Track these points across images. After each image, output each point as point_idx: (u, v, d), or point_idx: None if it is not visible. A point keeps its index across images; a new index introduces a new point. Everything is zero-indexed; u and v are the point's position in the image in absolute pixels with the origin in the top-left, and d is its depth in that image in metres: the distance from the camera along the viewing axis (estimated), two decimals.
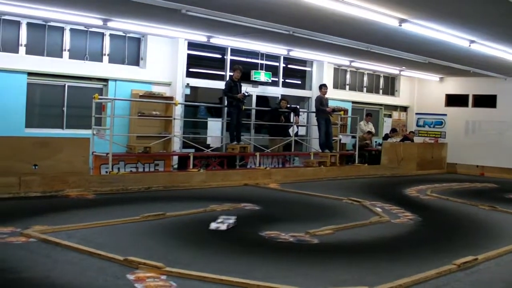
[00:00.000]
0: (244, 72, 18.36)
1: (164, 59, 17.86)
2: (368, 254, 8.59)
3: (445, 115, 26.02)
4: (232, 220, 10.13)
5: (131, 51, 17.47)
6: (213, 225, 9.79)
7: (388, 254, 8.66)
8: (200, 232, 9.56)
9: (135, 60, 17.57)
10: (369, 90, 25.23)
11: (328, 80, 22.15)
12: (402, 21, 13.29)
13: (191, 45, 18.33)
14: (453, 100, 26.35)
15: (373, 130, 23.81)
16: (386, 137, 24.17)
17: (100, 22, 14.83)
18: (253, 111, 20.12)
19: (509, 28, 14.14)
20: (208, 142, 18.04)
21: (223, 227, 9.77)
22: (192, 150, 17.19)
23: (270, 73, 20.36)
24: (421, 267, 7.41)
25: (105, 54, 16.85)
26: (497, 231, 10.94)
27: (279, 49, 19.24)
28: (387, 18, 13.06)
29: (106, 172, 14.84)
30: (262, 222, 10.39)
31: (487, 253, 8.48)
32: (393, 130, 24.66)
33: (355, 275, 7.28)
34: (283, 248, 8.67)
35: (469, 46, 16.00)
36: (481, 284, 7.20)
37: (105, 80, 16.81)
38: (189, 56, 18.45)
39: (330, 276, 7.16)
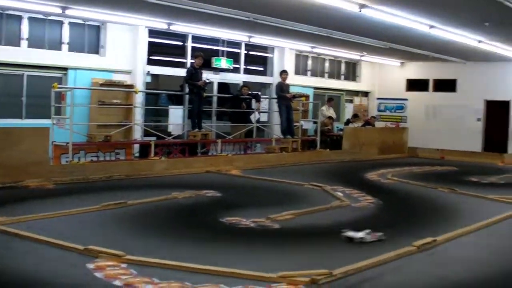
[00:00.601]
0: (205, 59, 18.28)
1: (125, 47, 17.69)
2: (329, 238, 8.64)
3: (406, 99, 26.33)
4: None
5: (90, 39, 17.27)
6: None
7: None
8: (161, 220, 9.57)
9: (95, 48, 17.38)
10: (331, 76, 25.33)
11: (290, 66, 22.18)
12: (362, 6, 13.34)
13: (152, 32, 18.18)
14: (414, 85, 26.62)
15: (334, 115, 23.92)
16: (347, 122, 24.29)
17: (59, 10, 14.65)
18: (215, 98, 20.07)
19: (468, 12, 14.30)
20: (169, 130, 18.00)
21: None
22: (154, 138, 17.12)
23: (232, 59, 20.30)
24: (381, 250, 7.49)
25: (64, 43, 16.61)
26: (456, 213, 11.09)
27: (240, 36, 19.23)
28: (347, 3, 13.13)
29: (67, 161, 14.70)
30: (224, 209, 10.41)
31: (446, 234, 8.61)
32: (355, 116, 24.80)
33: (316, 259, 7.35)
34: (244, 234, 8.71)
35: (429, 31, 16.14)
36: (439, 264, 7.31)
37: (65, 69, 16.58)
38: (149, 43, 18.30)
39: (291, 260, 7.22)
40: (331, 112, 23.68)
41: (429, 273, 6.93)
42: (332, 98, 24.47)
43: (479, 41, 18.41)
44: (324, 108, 23.40)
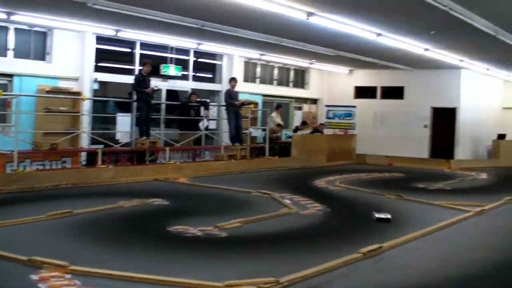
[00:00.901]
0: (154, 66, 18.17)
1: (71, 54, 17.44)
2: (276, 246, 8.66)
3: (354, 106, 26.56)
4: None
5: (36, 46, 17.00)
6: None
7: (297, 245, 8.76)
8: (108, 229, 9.45)
9: (41, 55, 17.11)
10: (280, 83, 25.41)
11: (239, 74, 22.17)
12: (309, 14, 13.44)
13: (99, 39, 17.99)
14: (362, 92, 26.88)
15: (282, 122, 23.98)
16: (296, 129, 24.35)
17: (4, 16, 14.42)
18: (163, 106, 19.94)
19: (414, 21, 14.50)
20: (117, 138, 17.85)
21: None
22: (101, 146, 16.94)
23: (180, 67, 20.22)
24: (328, 257, 7.49)
25: (9, 49, 16.33)
26: (403, 220, 11.17)
27: (189, 43, 19.18)
28: (295, 11, 13.19)
29: (12, 170, 14.43)
30: (171, 217, 10.31)
31: (392, 241, 8.67)
32: (303, 123, 24.90)
33: (264, 267, 7.33)
34: (191, 243, 8.65)
35: (376, 39, 16.31)
36: (385, 271, 7.36)
37: (10, 75, 16.28)
38: (97, 50, 18.09)
39: (239, 269, 7.17)
40: (279, 120, 23.74)
41: (374, 279, 6.97)
42: (281, 105, 24.54)
43: (426, 49, 18.68)
44: (274, 115, 23.48)
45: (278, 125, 23.39)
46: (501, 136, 25.88)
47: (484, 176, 20.31)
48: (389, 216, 10.89)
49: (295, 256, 7.99)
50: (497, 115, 28.77)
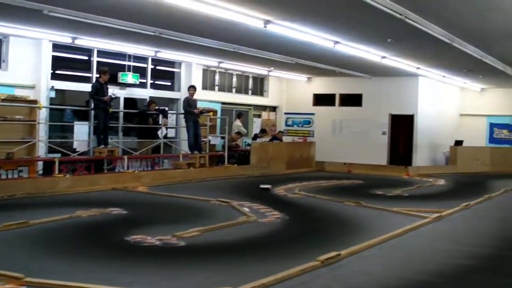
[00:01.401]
0: (112, 74, 18.02)
1: (27, 61, 17.18)
2: (235, 255, 8.63)
3: (313, 114, 26.61)
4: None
5: None
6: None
7: (255, 254, 8.75)
8: (65, 240, 9.34)
9: None
10: (238, 91, 25.38)
11: (197, 81, 22.09)
12: (267, 22, 13.45)
13: (56, 46, 17.77)
14: (321, 100, 26.99)
15: (245, 130, 24.02)
16: (255, 137, 24.33)
17: None
18: (121, 114, 19.77)
19: (371, 29, 14.61)
20: (74, 146, 17.64)
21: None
22: (58, 155, 16.72)
23: (138, 74, 20.08)
24: (286, 265, 7.48)
25: None
26: (361, 226, 11.25)
27: (147, 51, 19.08)
28: (252, 19, 13.20)
29: None
30: (129, 227, 10.24)
31: (350, 248, 8.69)
32: (262, 130, 24.92)
33: (222, 276, 7.30)
34: (149, 252, 8.58)
35: (334, 46, 16.38)
36: (342, 278, 7.37)
37: None
38: (54, 58, 17.87)
39: (197, 278, 7.15)
40: (243, 128, 23.82)
41: (333, 287, 6.97)
42: (242, 113, 24.57)
43: (383, 57, 18.83)
44: (238, 123, 23.56)
45: (238, 133, 23.38)
46: (458, 143, 26.22)
47: (441, 182, 20.55)
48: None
49: (254, 264, 7.97)
50: (454, 122, 29.14)
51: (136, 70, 20.18)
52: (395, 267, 8.14)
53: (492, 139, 29.22)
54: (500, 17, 12.52)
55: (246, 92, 25.84)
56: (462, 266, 8.30)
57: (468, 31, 14.33)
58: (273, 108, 27.74)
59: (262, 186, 16.52)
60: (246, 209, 12.44)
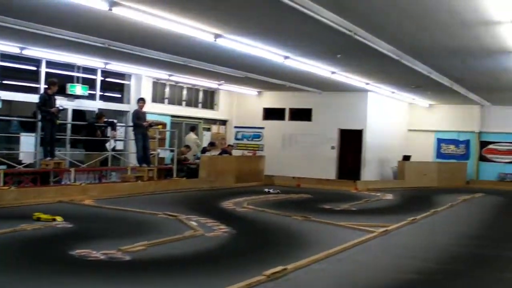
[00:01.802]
0: (60, 85, 17.80)
1: None
2: (181, 269, 8.58)
3: (263, 128, 26.64)
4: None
5: None
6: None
7: (201, 268, 8.69)
8: (8, 254, 9.15)
9: None
10: (189, 104, 25.28)
11: (147, 94, 21.95)
12: (217, 36, 13.47)
13: (3, 56, 17.49)
14: (271, 114, 27.07)
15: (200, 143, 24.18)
16: (204, 150, 24.23)
17: None
18: (69, 126, 19.50)
19: (321, 45, 14.73)
20: (20, 158, 17.36)
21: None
22: (4, 167, 16.41)
23: (87, 86, 19.86)
24: (232, 280, 7.44)
25: None
26: (309, 241, 11.28)
27: (96, 62, 18.90)
28: (203, 33, 13.20)
29: None
30: (74, 241, 10.10)
31: (297, 262, 8.68)
32: (211, 144, 24.84)
33: None
34: (93, 267, 8.45)
35: (284, 61, 16.45)
36: None
37: None
38: (1, 67, 17.62)
39: None
40: (199, 140, 24.05)
41: None
42: (195, 127, 24.57)
43: (333, 72, 18.97)
44: (194, 136, 23.75)
45: (187, 146, 23.30)
46: (406, 158, 26.53)
47: (389, 196, 20.74)
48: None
49: (199, 279, 7.93)
50: (403, 137, 29.45)
51: (85, 81, 19.96)
52: (341, 281, 8.19)
53: (439, 155, 29.65)
54: (447, 35, 12.71)
55: (196, 106, 25.75)
56: (406, 280, 8.37)
57: (416, 48, 14.53)
58: (223, 122, 27.71)
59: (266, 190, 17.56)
60: (194, 223, 12.37)
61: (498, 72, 17.57)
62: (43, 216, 12.11)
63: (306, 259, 8.99)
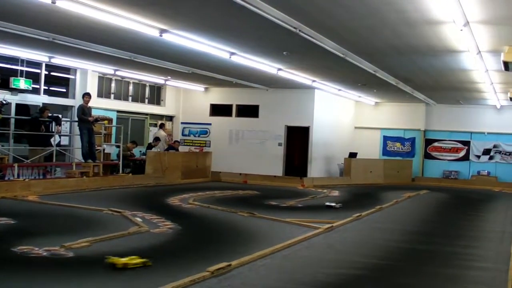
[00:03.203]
0: (3, 79, 17.50)
1: None
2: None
3: (210, 124, 26.58)
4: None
5: None
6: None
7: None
8: None
9: None
10: (135, 99, 25.09)
11: (93, 89, 21.71)
12: (163, 31, 13.38)
13: None
14: (218, 110, 27.01)
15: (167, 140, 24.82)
16: (149, 146, 24.05)
17: None
18: (13, 120, 19.14)
19: (267, 41, 14.73)
20: None
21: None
22: None
23: (31, 80, 19.55)
24: (177, 276, 7.44)
25: None
26: (254, 237, 11.31)
27: (40, 56, 18.58)
28: (148, 28, 13.08)
29: None
30: (16, 237, 9.93)
31: (241, 258, 8.70)
32: (156, 139, 24.65)
33: (110, 287, 7.16)
34: (35, 264, 8.33)
35: (230, 57, 16.42)
36: None
37: None
38: None
39: None
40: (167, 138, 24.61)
41: None
42: (164, 124, 24.86)
43: (279, 69, 19.00)
44: (162, 133, 24.35)
45: (133, 142, 23.14)
46: (353, 155, 26.73)
47: (335, 193, 20.91)
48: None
49: (143, 275, 7.85)
50: (349, 134, 29.72)
51: (29, 75, 19.64)
52: (285, 277, 8.21)
53: (385, 152, 30.01)
54: (391, 33, 12.82)
55: (142, 101, 25.58)
56: (350, 276, 8.45)
57: (361, 46, 14.63)
58: (170, 118, 27.57)
59: (328, 203, 16.99)
60: (139, 219, 12.30)
61: (444, 71, 17.82)
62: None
63: (251, 255, 9.02)
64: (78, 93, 21.47)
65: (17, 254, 8.79)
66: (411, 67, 17.52)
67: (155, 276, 7.68)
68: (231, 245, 10.46)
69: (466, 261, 10.01)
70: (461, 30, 11.22)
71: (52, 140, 19.31)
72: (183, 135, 27.36)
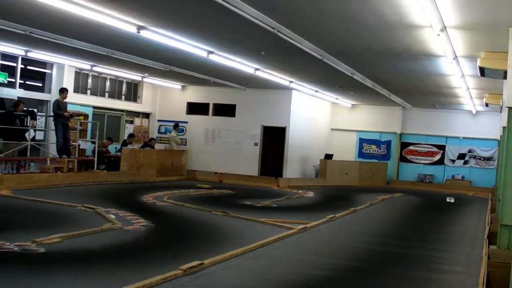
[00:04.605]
0: None
1: None
2: (97, 262, 8.46)
3: (186, 122, 26.52)
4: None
5: None
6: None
7: (117, 261, 8.60)
8: None
9: None
10: (112, 96, 24.95)
11: (69, 84, 21.55)
12: (140, 28, 13.33)
13: None
14: (195, 108, 26.96)
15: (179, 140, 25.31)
16: (124, 143, 23.90)
17: None
18: None
19: (245, 41, 14.75)
20: None
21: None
22: None
23: (6, 73, 19.39)
24: (148, 273, 7.41)
25: None
26: (227, 236, 11.32)
27: (16, 49, 18.43)
28: (125, 24, 13.03)
29: None
30: None
31: (214, 257, 8.69)
32: (130, 135, 24.55)
33: (81, 284, 7.14)
34: (6, 259, 8.25)
35: (208, 56, 16.39)
36: (204, 287, 7.35)
37: None
38: None
39: (56, 286, 6.93)
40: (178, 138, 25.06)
41: None
42: (178, 124, 25.26)
43: (256, 69, 18.99)
44: (174, 133, 24.73)
45: (109, 138, 23.03)
46: (328, 156, 26.81)
47: (310, 194, 20.96)
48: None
49: (114, 272, 7.83)
50: (326, 136, 29.80)
51: (4, 69, 19.48)
52: (257, 277, 8.22)
53: (361, 154, 30.14)
54: (370, 36, 12.86)
55: (119, 97, 25.45)
56: (320, 277, 8.46)
57: (339, 48, 14.65)
58: (146, 115, 27.47)
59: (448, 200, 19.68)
60: (112, 216, 12.25)
61: (421, 75, 17.91)
62: None
63: (223, 254, 9.02)
64: (54, 87, 21.32)
65: None
66: (389, 70, 17.58)
67: (125, 274, 7.65)
68: (204, 244, 10.45)
69: (436, 264, 10.06)
70: (438, 35, 11.28)
71: (26, 134, 19.14)
72: (159, 132, 27.28)
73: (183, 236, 11.25)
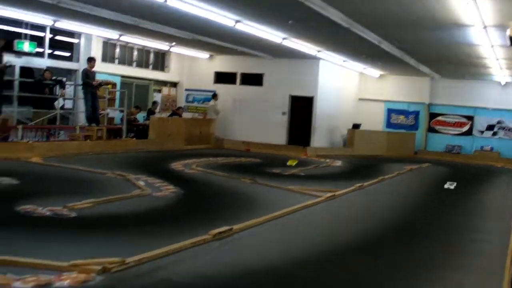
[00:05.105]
0: (7, 41, 17.45)
1: None
2: (127, 227, 8.57)
3: (214, 91, 26.53)
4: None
5: None
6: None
7: (147, 227, 8.67)
8: None
9: None
10: (139, 65, 25.04)
11: (97, 54, 21.67)
12: None
13: None
14: (222, 78, 26.95)
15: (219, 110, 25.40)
16: (149, 111, 23.96)
17: None
18: (17, 83, 19.12)
19: (272, 10, 14.71)
20: None
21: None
22: None
23: (35, 43, 19.49)
24: (178, 239, 7.47)
25: None
26: (255, 203, 11.37)
27: (45, 19, 18.53)
28: None
29: None
30: (20, 197, 9.89)
31: (242, 223, 8.74)
32: (154, 103, 24.63)
33: (113, 247, 7.26)
34: (39, 223, 8.36)
35: (235, 25, 16.36)
36: (233, 252, 7.45)
37: None
38: None
39: (87, 250, 7.02)
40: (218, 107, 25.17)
41: (222, 260, 7.02)
42: (216, 94, 25.40)
43: (284, 38, 18.93)
44: (212, 103, 25.00)
45: (137, 107, 23.12)
46: (356, 126, 26.77)
47: (338, 163, 20.95)
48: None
49: (145, 237, 7.92)
50: (353, 106, 29.66)
51: (33, 38, 19.60)
52: (282, 244, 8.28)
53: (389, 124, 29.99)
54: (399, 5, 12.74)
55: (146, 67, 25.52)
56: (351, 242, 8.51)
57: (367, 17, 14.55)
58: (174, 84, 27.55)
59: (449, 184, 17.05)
60: (142, 183, 12.33)
61: (449, 45, 17.74)
62: None
63: (251, 221, 9.07)
64: (82, 57, 21.43)
65: (20, 213, 8.82)
66: (418, 39, 17.43)
67: (155, 239, 7.72)
68: (232, 211, 10.53)
69: (468, 233, 10.06)
70: (467, 3, 11.16)
71: (56, 103, 19.30)
72: (187, 101, 27.34)
73: (211, 202, 11.33)
